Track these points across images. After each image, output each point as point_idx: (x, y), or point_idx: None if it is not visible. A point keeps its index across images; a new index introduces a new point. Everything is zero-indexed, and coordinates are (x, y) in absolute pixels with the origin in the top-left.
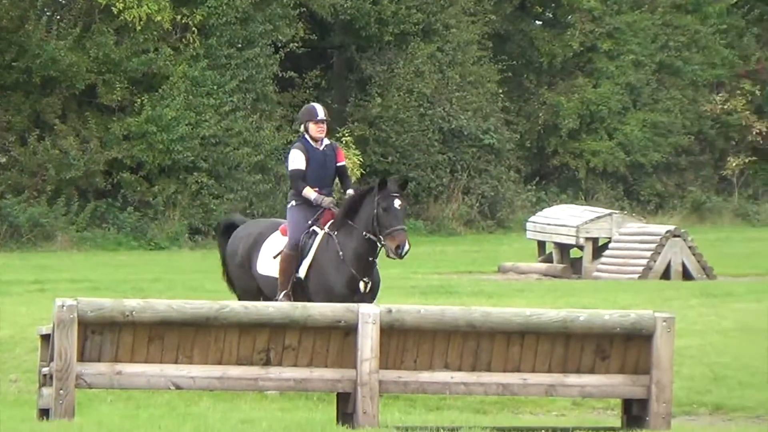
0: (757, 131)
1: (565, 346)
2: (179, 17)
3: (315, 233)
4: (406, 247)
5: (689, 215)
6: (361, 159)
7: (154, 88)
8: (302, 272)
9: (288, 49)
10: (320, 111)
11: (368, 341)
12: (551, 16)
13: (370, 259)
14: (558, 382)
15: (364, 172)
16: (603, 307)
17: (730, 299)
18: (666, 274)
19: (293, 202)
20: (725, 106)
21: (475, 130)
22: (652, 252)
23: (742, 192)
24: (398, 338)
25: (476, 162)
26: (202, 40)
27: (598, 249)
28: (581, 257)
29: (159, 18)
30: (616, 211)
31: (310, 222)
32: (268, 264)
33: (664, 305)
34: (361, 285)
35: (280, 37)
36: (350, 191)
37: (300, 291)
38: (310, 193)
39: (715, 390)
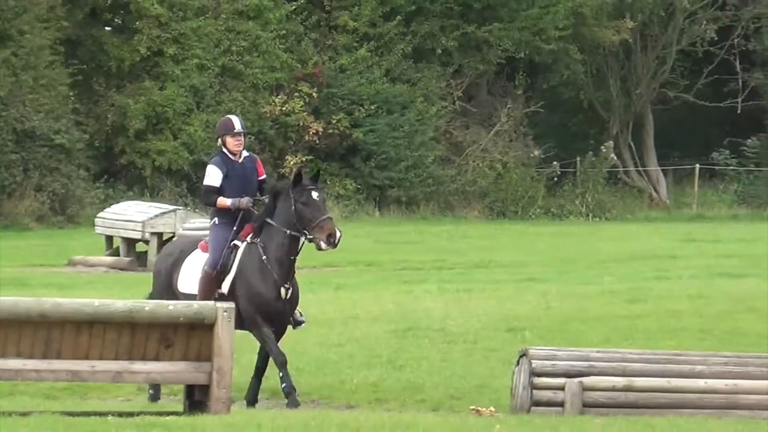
0: (314, 131)
1: (131, 335)
2: None
3: (236, 247)
4: (338, 234)
5: None
6: None
7: None
8: (225, 288)
9: None
10: (237, 123)
11: None
12: (120, 22)
13: (291, 258)
14: (125, 368)
15: None
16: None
17: None
18: None
19: (216, 221)
20: (284, 108)
21: (47, 131)
22: None
23: None
24: None
25: (48, 161)
26: None
27: (164, 243)
28: (147, 251)
29: None
30: (180, 207)
31: (230, 237)
32: (189, 282)
33: None
34: (282, 291)
35: None
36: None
37: None
38: (224, 201)
39: (271, 375)
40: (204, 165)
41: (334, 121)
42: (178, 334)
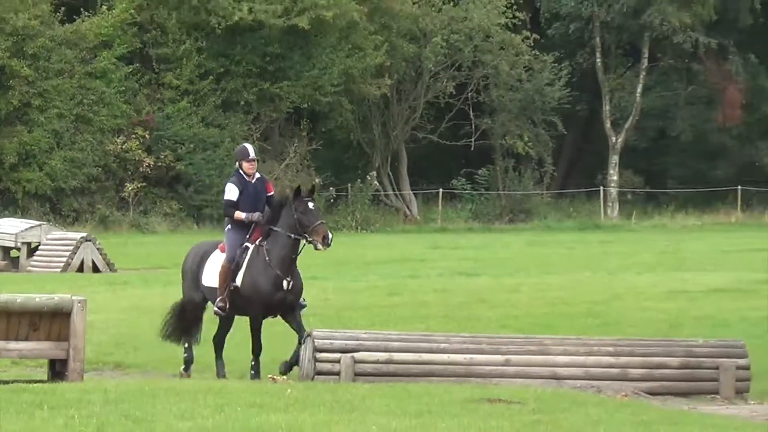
0: (147, 164)
1: (7, 321)
2: None
3: (247, 248)
4: (330, 235)
5: (98, 225)
6: None
7: None
8: (238, 281)
9: None
10: (251, 151)
11: None
12: None
13: (293, 257)
14: (2, 347)
15: None
16: (35, 293)
17: (128, 286)
18: (81, 269)
19: (229, 226)
20: (124, 146)
21: None
22: (70, 252)
23: (136, 208)
24: None
25: None
26: None
27: (32, 250)
28: (19, 256)
29: None
30: (44, 223)
31: (243, 240)
32: (211, 276)
33: (80, 291)
34: (285, 283)
35: None
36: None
37: (237, 297)
38: (240, 214)
39: (115, 352)
40: (62, 190)
41: (162, 157)
42: (43, 320)
